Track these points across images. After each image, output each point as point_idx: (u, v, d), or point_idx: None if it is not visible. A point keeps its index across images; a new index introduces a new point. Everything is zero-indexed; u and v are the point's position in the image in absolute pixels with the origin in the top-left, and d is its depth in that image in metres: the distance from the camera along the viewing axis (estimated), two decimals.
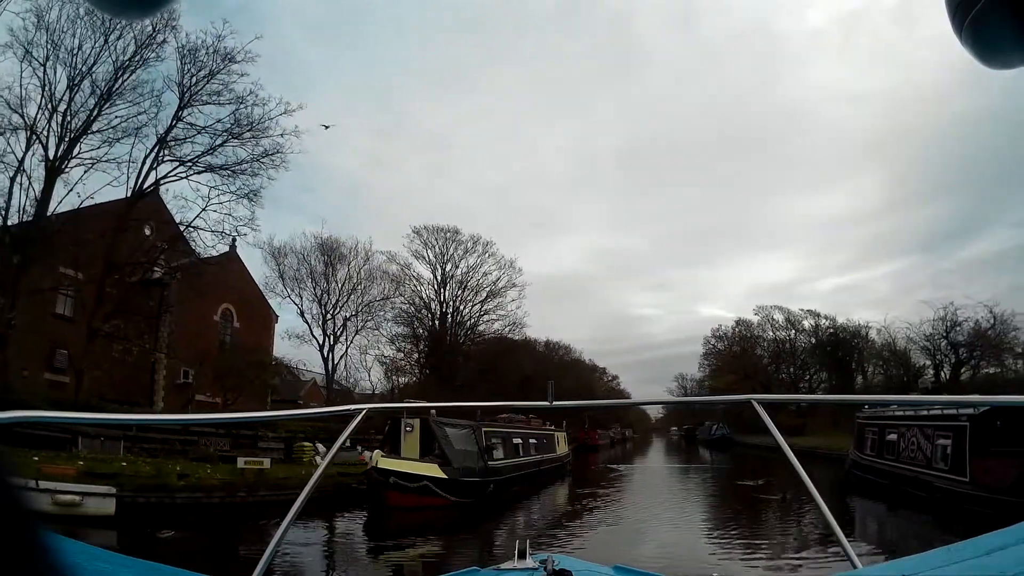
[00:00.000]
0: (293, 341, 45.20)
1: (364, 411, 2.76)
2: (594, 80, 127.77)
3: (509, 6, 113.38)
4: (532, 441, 28.58)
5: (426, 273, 54.22)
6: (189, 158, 28.16)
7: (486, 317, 57.06)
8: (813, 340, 65.25)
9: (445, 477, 18.98)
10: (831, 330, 62.32)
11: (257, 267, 44.79)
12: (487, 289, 55.87)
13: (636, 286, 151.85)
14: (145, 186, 27.42)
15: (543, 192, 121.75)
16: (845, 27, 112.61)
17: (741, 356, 72.32)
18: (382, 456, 18.68)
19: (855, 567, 2.11)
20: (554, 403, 2.82)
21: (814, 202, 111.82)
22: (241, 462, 19.79)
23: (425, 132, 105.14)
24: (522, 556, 2.88)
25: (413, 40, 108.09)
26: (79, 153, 25.10)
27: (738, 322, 75.71)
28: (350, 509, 18.60)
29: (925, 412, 18.72)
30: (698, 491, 26.56)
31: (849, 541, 2.27)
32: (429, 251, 54.05)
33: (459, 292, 55.25)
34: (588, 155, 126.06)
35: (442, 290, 54.61)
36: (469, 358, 54.22)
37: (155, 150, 27.31)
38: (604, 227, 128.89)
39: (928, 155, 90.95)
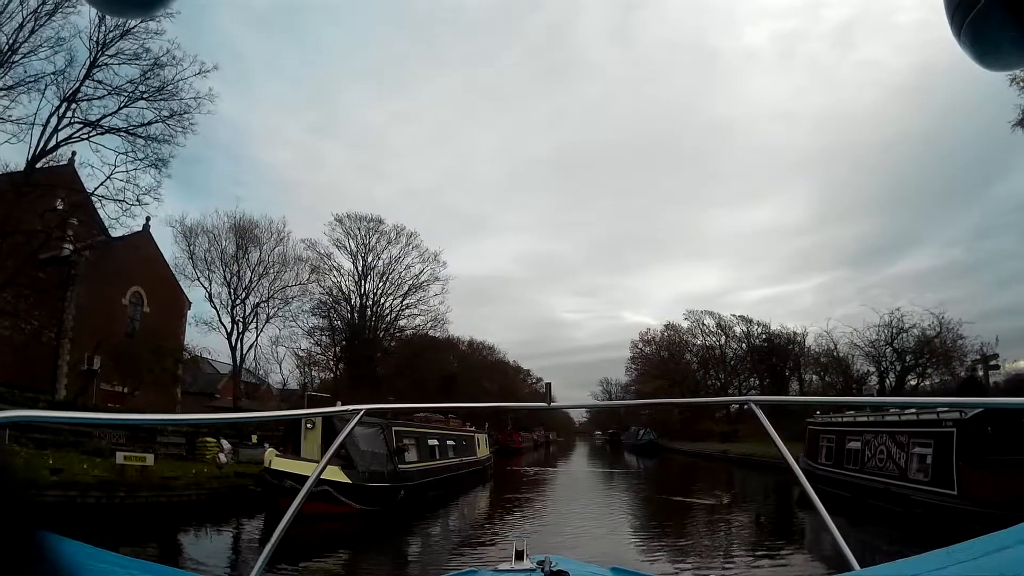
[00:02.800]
0: (201, 328, 43.37)
1: (362, 411, 2.61)
2: (529, 87, 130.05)
3: (446, 8, 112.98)
4: (450, 443, 26.81)
5: (347, 264, 52.90)
6: (96, 119, 26.77)
7: (408, 311, 55.88)
8: (744, 346, 66.14)
9: (349, 482, 17.09)
10: (764, 336, 63.03)
11: (169, 248, 42.58)
12: (409, 282, 54.81)
13: (562, 291, 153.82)
14: (48, 147, 25.63)
15: (472, 195, 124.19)
16: (782, 47, 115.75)
17: (669, 361, 73.08)
18: (276, 456, 16.81)
19: (853, 568, 1.99)
20: (552, 404, 2.83)
21: (742, 215, 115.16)
22: (120, 457, 17.33)
23: (357, 130, 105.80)
24: (519, 557, 2.84)
25: (349, 36, 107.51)
26: None
27: (667, 326, 76.70)
28: (252, 515, 17.01)
29: (896, 417, 17.26)
30: (655, 504, 23.84)
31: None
32: (351, 240, 52.82)
33: (380, 284, 53.90)
34: (519, 160, 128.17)
35: (363, 282, 53.14)
36: (389, 353, 52.90)
37: (61, 108, 25.63)
38: (532, 231, 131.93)
39: (858, 175, 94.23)
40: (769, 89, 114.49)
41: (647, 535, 16.23)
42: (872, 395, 42.67)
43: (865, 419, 19.25)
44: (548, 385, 2.73)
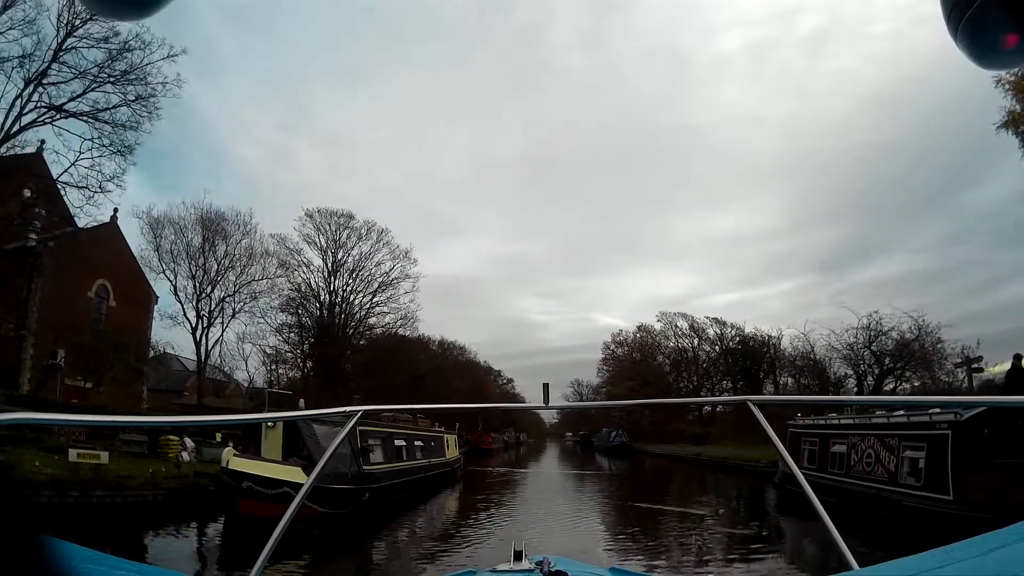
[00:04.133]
0: (165, 322, 42.31)
1: (360, 412, 2.66)
2: (500, 89, 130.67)
3: (419, 8, 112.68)
4: (418, 443, 26.12)
5: (316, 260, 52.08)
6: (62, 103, 26.33)
7: (378, 309, 55.12)
8: (717, 348, 65.86)
9: None
10: (738, 338, 62.67)
11: (135, 241, 41.37)
12: (379, 280, 54.03)
13: (532, 292, 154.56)
14: (11, 131, 25.13)
15: (443, 196, 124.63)
16: (754, 54, 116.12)
17: (640, 363, 73.13)
18: (235, 455, 16.24)
19: (852, 568, 2.01)
20: (550, 404, 2.90)
21: (711, 220, 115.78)
22: (73, 455, 16.73)
23: (328, 128, 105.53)
24: (518, 558, 2.88)
25: (321, 33, 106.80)
26: None
27: (640, 328, 76.68)
28: (210, 517, 16.45)
29: (884, 420, 16.73)
30: (637, 512, 21.61)
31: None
32: (321, 236, 52.00)
33: (350, 281, 53.05)
34: (489, 162, 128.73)
35: (332, 278, 52.22)
36: (358, 351, 52.19)
37: (26, 90, 25.12)
38: (502, 233, 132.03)
39: (827, 181, 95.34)
40: (740, 95, 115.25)
41: (637, 542, 15.60)
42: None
43: (851, 421, 18.79)
44: (546, 386, 2.77)
